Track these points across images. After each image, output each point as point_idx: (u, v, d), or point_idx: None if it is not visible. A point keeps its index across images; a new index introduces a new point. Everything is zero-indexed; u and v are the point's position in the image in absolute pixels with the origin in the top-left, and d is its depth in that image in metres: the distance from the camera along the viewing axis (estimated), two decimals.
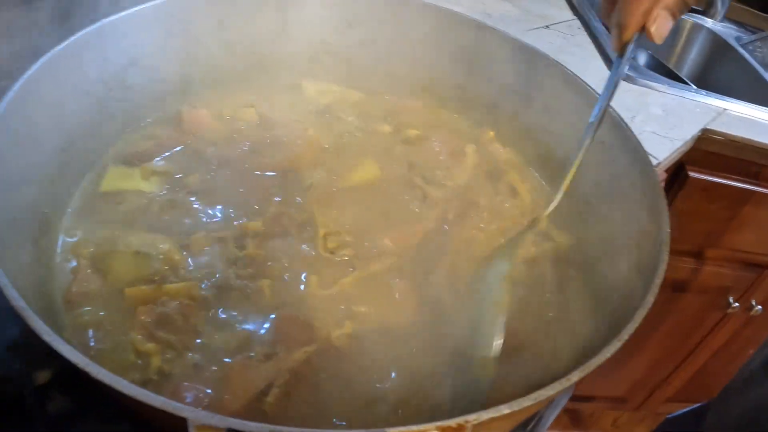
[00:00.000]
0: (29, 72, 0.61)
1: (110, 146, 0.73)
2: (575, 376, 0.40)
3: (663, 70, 1.36)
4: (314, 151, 0.74)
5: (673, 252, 1.33)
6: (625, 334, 0.44)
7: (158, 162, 0.70)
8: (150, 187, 0.67)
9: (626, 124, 0.67)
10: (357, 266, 0.63)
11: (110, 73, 0.72)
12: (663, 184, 1.15)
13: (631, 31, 0.51)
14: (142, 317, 0.54)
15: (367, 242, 0.65)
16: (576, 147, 0.60)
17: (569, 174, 0.60)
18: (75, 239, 0.61)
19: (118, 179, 0.67)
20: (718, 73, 1.43)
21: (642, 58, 1.39)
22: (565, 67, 0.74)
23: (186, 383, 0.51)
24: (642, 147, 0.65)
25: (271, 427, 0.31)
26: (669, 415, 1.06)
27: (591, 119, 0.59)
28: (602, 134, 0.70)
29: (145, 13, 0.73)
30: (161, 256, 0.59)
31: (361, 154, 0.76)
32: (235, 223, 0.64)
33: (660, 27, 0.49)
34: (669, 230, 0.55)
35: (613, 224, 0.67)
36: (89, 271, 0.57)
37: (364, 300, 0.60)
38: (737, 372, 0.83)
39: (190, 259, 0.60)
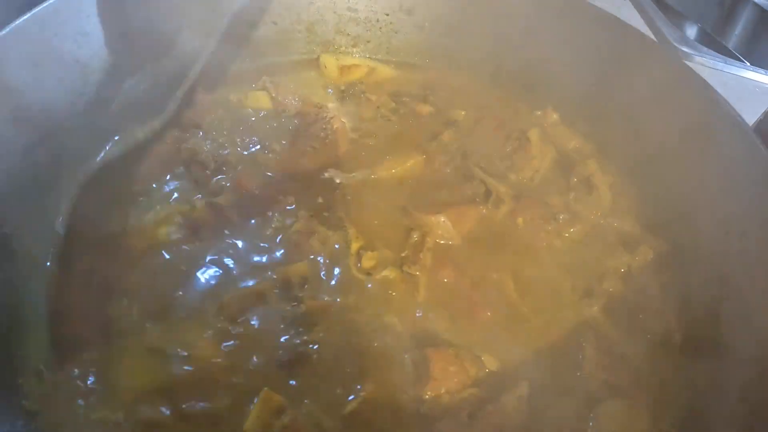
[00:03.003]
0: None
1: (99, 150, 0.59)
2: None
3: (714, 44, 1.20)
4: (339, 143, 0.59)
5: None
6: None
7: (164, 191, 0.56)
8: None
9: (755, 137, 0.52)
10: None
11: (90, 50, 0.58)
12: None
13: None
14: None
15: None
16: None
17: None
18: None
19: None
20: (766, 48, 1.26)
21: (692, 32, 1.23)
22: (650, 38, 0.60)
23: None
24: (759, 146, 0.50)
25: None
26: None
27: None
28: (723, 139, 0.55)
29: None
30: (185, 353, 0.45)
31: (400, 143, 0.62)
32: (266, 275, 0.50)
33: None
34: None
35: (726, 235, 0.51)
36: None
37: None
38: None
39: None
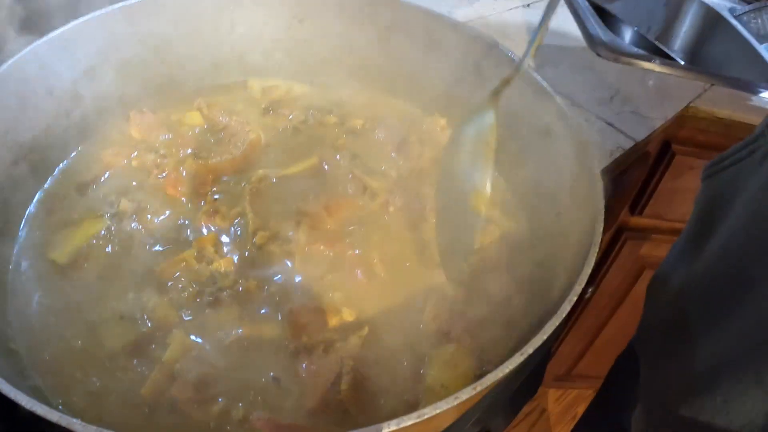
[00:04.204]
0: None
1: (63, 158, 0.74)
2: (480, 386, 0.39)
3: (648, 46, 1.31)
4: (255, 151, 0.73)
5: (664, 231, 1.29)
6: (530, 349, 0.43)
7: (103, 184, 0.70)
8: (96, 227, 0.65)
9: (570, 113, 0.64)
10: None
11: (61, 87, 0.72)
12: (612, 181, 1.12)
13: None
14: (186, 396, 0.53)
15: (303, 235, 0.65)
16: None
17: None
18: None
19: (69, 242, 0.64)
20: (711, 46, 1.36)
21: (627, 35, 1.34)
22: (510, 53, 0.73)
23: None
24: (587, 144, 0.61)
25: None
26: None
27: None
28: (549, 123, 0.68)
29: (93, 23, 0.73)
30: (145, 316, 0.58)
31: (303, 149, 0.75)
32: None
33: None
34: (600, 234, 0.52)
35: (557, 216, 0.64)
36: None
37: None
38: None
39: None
